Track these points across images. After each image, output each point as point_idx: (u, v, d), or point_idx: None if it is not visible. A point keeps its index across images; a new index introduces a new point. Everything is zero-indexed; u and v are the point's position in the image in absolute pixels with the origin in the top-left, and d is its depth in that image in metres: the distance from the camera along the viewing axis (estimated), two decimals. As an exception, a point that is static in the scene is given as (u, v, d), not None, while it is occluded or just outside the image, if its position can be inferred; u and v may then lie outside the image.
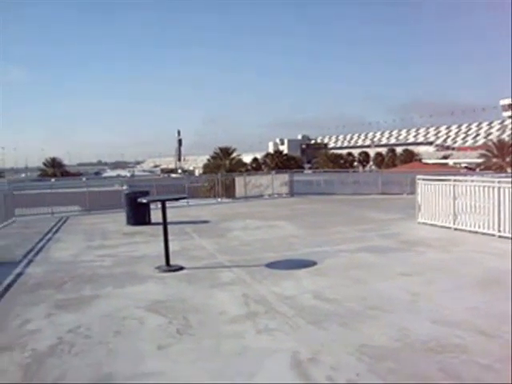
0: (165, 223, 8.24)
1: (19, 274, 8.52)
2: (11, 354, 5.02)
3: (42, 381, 4.36)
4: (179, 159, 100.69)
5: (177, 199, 9.41)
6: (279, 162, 65.59)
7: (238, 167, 53.71)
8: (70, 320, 5.96)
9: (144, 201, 8.75)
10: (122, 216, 15.43)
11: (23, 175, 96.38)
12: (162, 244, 8.75)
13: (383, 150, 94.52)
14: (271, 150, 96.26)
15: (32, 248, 11.14)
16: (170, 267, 8.26)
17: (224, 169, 47.15)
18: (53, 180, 34.48)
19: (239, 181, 22.45)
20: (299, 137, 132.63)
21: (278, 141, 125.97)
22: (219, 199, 21.35)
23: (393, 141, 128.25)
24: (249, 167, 60.54)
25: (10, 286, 7.80)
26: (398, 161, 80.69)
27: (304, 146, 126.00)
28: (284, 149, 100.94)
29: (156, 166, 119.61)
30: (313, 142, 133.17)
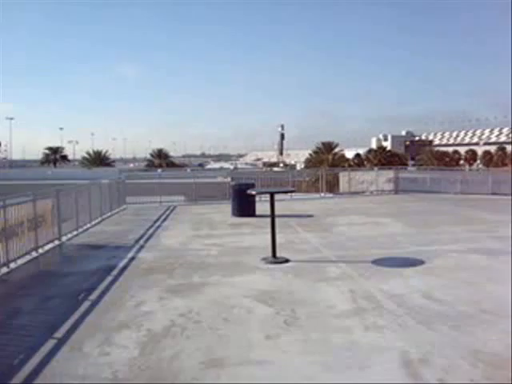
0: (273, 215, 8.33)
1: (132, 258, 8.95)
2: (129, 331, 5.31)
3: (157, 359, 4.57)
4: (281, 153, 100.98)
5: (285, 192, 9.51)
6: (382, 159, 64.19)
7: (341, 162, 53.35)
8: (181, 304, 6.19)
9: (253, 192, 8.90)
10: (226, 207, 15.78)
11: (131, 165, 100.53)
12: (267, 236, 8.88)
13: (492, 148, 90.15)
14: (374, 145, 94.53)
15: (143, 234, 11.65)
16: (276, 259, 8.34)
17: (327, 164, 46.99)
18: (159, 170, 35.76)
19: (343, 176, 22.24)
20: (403, 133, 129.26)
21: (381, 136, 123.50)
22: (322, 194, 21.26)
23: (503, 138, 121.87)
24: (351, 163, 59.70)
25: (124, 268, 8.22)
26: (508, 160, 76.61)
27: (408, 143, 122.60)
28: (387, 145, 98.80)
29: (258, 160, 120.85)
30: (417, 138, 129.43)
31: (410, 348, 4.70)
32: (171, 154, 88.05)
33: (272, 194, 8.41)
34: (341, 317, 5.66)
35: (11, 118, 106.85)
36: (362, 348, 4.75)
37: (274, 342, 4.96)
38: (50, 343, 5.05)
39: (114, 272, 7.96)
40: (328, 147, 64.12)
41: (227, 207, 15.55)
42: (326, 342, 4.92)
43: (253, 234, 11.31)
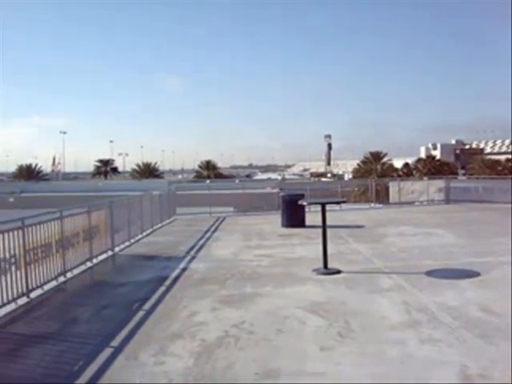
0: (324, 226, 8.30)
1: (184, 269, 9.05)
2: (183, 341, 5.38)
3: (212, 369, 4.60)
4: (329, 163, 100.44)
5: (337, 203, 9.48)
6: (432, 168, 63.10)
7: (389, 172, 52.74)
8: (233, 315, 6.22)
9: (304, 203, 8.88)
10: (275, 218, 15.78)
11: (180, 176, 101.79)
12: (317, 247, 8.85)
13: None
14: (423, 154, 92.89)
15: (194, 245, 11.78)
16: (327, 270, 8.30)
17: (375, 174, 46.54)
18: (208, 181, 36.14)
19: (393, 186, 21.94)
20: (453, 141, 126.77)
21: (430, 145, 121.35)
22: (372, 204, 21.04)
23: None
24: (400, 172, 58.93)
25: (177, 279, 8.33)
26: None
27: (458, 151, 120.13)
28: (436, 154, 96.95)
29: (305, 170, 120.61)
30: (467, 146, 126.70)
31: (469, 363, 4.57)
32: (219, 165, 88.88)
33: (323, 205, 8.38)
34: (395, 329, 5.58)
35: (64, 132, 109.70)
36: (418, 361, 4.67)
37: (328, 354, 4.93)
38: (107, 351, 5.17)
39: (167, 282, 8.07)
40: (376, 157, 63.59)
41: (276, 218, 15.55)
42: (381, 355, 4.86)
43: (303, 245, 11.27)
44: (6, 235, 6.85)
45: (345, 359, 4.78)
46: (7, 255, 6.89)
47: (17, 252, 7.15)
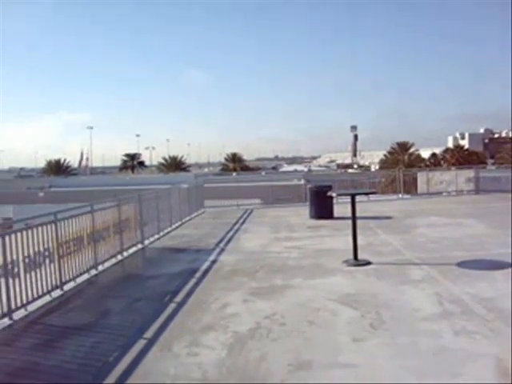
0: (354, 217, 8.26)
1: (214, 261, 9.11)
2: (216, 333, 5.42)
3: (245, 361, 4.63)
4: (355, 154, 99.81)
5: (366, 194, 9.39)
6: (460, 158, 62.39)
7: (417, 163, 52.30)
8: (265, 307, 6.24)
9: (333, 194, 8.84)
10: (303, 209, 15.78)
11: (206, 170, 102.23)
12: (347, 238, 8.81)
13: None
14: (450, 144, 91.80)
15: (223, 237, 11.85)
16: (357, 261, 8.26)
17: (402, 164, 46.16)
18: (234, 174, 36.24)
19: (421, 176, 21.69)
20: (481, 130, 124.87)
21: (457, 135, 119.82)
22: (400, 195, 20.87)
23: None
24: (427, 163, 58.38)
25: (207, 271, 8.39)
26: None
27: (487, 141, 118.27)
28: (465, 143, 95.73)
29: (331, 161, 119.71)
30: (496, 135, 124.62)
31: (506, 355, 4.50)
32: (245, 157, 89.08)
33: (353, 196, 8.34)
34: (428, 321, 5.52)
35: (91, 127, 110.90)
36: (453, 354, 4.61)
37: (361, 346, 4.92)
38: (141, 343, 5.24)
39: (197, 275, 8.14)
40: (403, 147, 63.07)
41: (304, 210, 15.54)
42: (414, 347, 4.82)
43: (332, 237, 11.24)
44: (39, 229, 6.96)
45: (378, 351, 4.76)
46: (41, 249, 7.01)
47: (50, 245, 7.27)
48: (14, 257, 6.37)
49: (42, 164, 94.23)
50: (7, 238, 6.24)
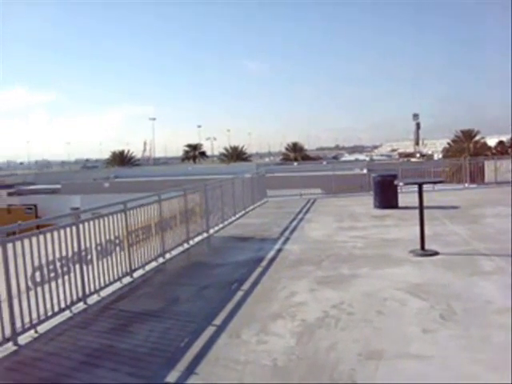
0: (421, 206, 8.10)
1: (279, 250, 9.15)
2: (284, 321, 5.46)
3: (314, 349, 4.65)
4: (417, 143, 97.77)
5: (434, 183, 9.20)
6: (529, 146, 60.13)
7: (483, 151, 50.73)
8: (332, 296, 6.23)
9: (400, 183, 8.70)
10: (366, 199, 15.63)
11: (267, 159, 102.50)
12: (412, 228, 8.69)
13: None
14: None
15: (287, 226, 11.88)
16: (424, 252, 8.11)
17: (467, 153, 44.88)
18: (295, 164, 36.19)
19: (488, 165, 21.03)
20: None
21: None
22: (466, 184, 20.31)
23: None
24: (493, 151, 56.49)
25: (272, 260, 8.44)
26: None
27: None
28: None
29: (393, 151, 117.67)
30: None
31: None
32: (305, 147, 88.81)
33: (420, 185, 8.17)
34: (501, 314, 5.35)
35: (154, 119, 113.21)
36: (527, 348, 4.48)
37: (432, 337, 4.84)
38: (210, 330, 5.34)
39: (263, 263, 8.19)
40: (468, 135, 61.29)
41: (367, 199, 15.38)
42: (488, 340, 4.70)
43: (397, 226, 11.07)
44: (110, 218, 7.18)
45: (449, 343, 4.68)
46: (112, 237, 7.23)
47: (120, 234, 7.48)
48: (88, 244, 6.60)
49: (106, 155, 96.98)
50: (81, 226, 6.46)
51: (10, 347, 5.09)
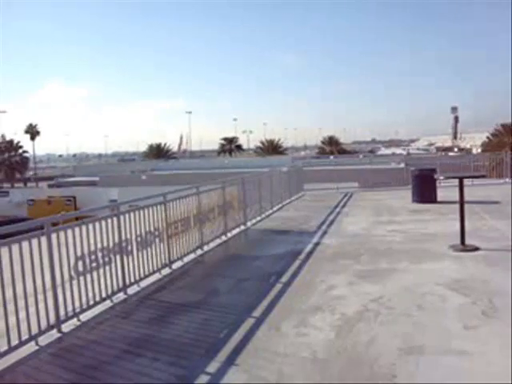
0: (462, 201, 7.98)
1: (317, 244, 9.14)
2: (323, 314, 5.47)
3: (354, 343, 4.64)
4: (455, 137, 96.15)
5: (477, 177, 9.05)
6: None
7: (524, 145, 49.51)
8: (371, 290, 6.21)
9: (440, 177, 8.59)
10: (403, 193, 15.48)
11: (303, 153, 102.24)
12: (451, 223, 8.58)
13: None
14: None
15: (324, 220, 11.85)
16: (465, 247, 7.99)
17: (508, 147, 43.88)
18: (332, 157, 35.98)
19: (532, 160, 20.56)
20: None
21: None
22: (507, 179, 19.90)
23: None
24: (536, 145, 55.13)
25: (310, 253, 8.45)
26: None
27: None
28: None
29: (431, 145, 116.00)
30: None
31: None
32: (341, 140, 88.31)
33: (461, 179, 8.05)
34: (545, 311, 5.27)
35: (189, 112, 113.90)
36: None
37: (473, 333, 4.78)
38: (249, 321, 5.37)
39: (301, 256, 8.21)
40: (509, 129, 59.95)
41: (404, 193, 15.23)
42: (532, 337, 4.63)
43: (436, 221, 10.91)
44: (150, 210, 7.27)
45: (492, 339, 4.61)
46: (152, 229, 7.32)
47: (160, 226, 7.58)
48: (128, 236, 6.70)
49: (143, 148, 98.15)
50: (122, 218, 6.57)
51: (54, 334, 5.23)
